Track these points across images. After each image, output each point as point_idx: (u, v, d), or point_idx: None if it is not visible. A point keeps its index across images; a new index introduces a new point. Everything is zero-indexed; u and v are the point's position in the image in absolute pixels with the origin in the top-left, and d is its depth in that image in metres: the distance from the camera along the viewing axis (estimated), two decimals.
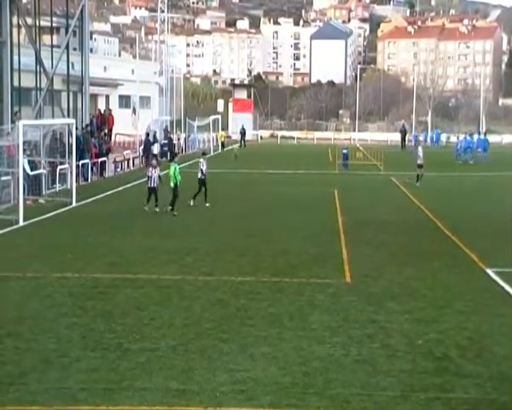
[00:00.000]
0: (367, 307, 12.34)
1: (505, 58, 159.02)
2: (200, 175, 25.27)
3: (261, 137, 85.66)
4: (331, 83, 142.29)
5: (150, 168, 24.64)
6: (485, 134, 58.12)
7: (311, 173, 39.94)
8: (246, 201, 27.48)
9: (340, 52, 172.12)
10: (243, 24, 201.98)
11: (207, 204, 24.95)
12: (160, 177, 23.97)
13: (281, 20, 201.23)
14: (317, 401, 8.32)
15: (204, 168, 25.29)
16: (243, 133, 68.28)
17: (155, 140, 45.09)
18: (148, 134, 45.31)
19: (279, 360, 9.66)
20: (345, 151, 44.12)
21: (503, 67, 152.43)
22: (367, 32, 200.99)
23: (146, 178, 24.44)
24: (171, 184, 23.47)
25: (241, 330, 10.96)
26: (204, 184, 25.31)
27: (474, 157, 49.75)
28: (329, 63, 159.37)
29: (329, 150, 54.27)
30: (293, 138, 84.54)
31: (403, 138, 68.00)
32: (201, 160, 25.67)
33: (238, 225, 21.60)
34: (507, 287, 13.85)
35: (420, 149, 35.17)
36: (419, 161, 34.09)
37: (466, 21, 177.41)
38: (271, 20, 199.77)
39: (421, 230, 20.99)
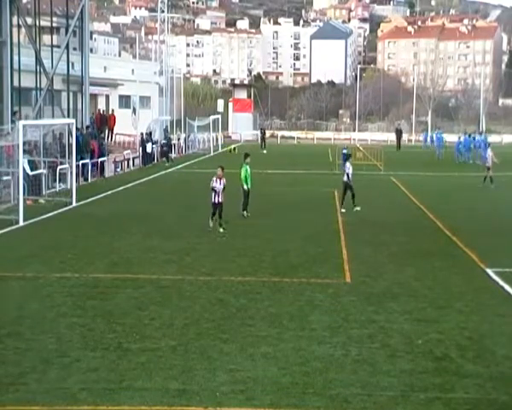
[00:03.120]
0: (367, 307, 12.34)
1: (505, 58, 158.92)
2: (345, 178, 24.58)
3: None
4: (331, 83, 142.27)
5: (215, 178, 20.19)
6: (483, 134, 57.95)
7: (310, 173, 39.95)
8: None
9: (340, 52, 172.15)
10: (243, 24, 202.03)
11: (358, 208, 24.18)
12: (224, 188, 20.12)
13: (281, 20, 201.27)
14: (317, 401, 8.32)
15: (350, 171, 24.55)
16: (263, 134, 68.66)
17: (150, 139, 45.06)
18: (142, 133, 45.34)
19: (279, 360, 9.66)
20: (345, 151, 44.05)
21: (503, 67, 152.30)
22: (367, 32, 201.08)
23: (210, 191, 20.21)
24: (245, 187, 22.95)
25: (241, 330, 10.97)
26: (350, 188, 24.53)
27: (473, 157, 49.70)
28: (329, 63, 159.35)
29: (329, 150, 54.26)
30: (294, 138, 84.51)
31: (398, 139, 68.00)
32: (347, 163, 24.87)
33: (238, 225, 21.59)
34: (507, 287, 13.86)
35: (489, 150, 34.56)
36: (489, 163, 33.66)
37: (466, 21, 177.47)
38: (271, 20, 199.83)
39: (422, 230, 20.98)
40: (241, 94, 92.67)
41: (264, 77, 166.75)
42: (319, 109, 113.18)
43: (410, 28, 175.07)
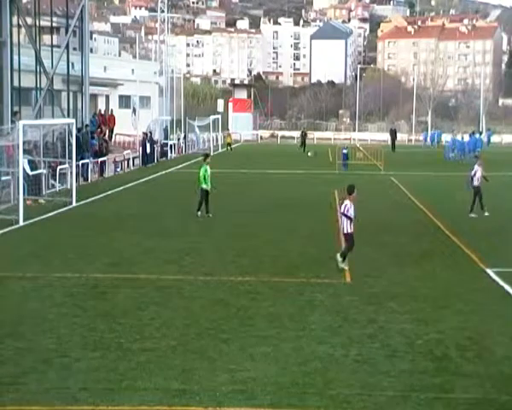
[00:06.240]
0: (367, 307, 12.34)
1: (505, 58, 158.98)
2: (475, 183, 23.55)
3: (261, 137, 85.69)
4: (331, 83, 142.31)
5: (348, 203, 15.33)
6: (472, 134, 57.77)
7: (311, 173, 39.96)
8: (246, 201, 27.50)
9: (340, 52, 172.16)
10: (243, 24, 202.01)
11: (486, 213, 23.12)
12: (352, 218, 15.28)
13: (281, 20, 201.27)
14: (317, 401, 8.32)
15: (479, 174, 23.45)
16: (305, 135, 68.29)
17: (150, 139, 45.09)
18: (144, 134, 45.41)
19: (279, 360, 9.66)
20: (345, 151, 44.09)
21: (503, 66, 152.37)
22: (367, 32, 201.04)
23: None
24: (204, 187, 22.70)
25: (241, 330, 10.96)
26: (478, 192, 23.51)
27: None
28: (329, 63, 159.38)
29: (329, 150, 54.24)
30: (294, 138, 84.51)
31: (393, 140, 68.13)
32: (476, 165, 23.66)
33: (238, 225, 21.59)
34: (507, 287, 13.85)
35: None
36: None
37: (466, 21, 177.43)
38: (271, 20, 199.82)
39: (422, 230, 20.97)
40: (241, 94, 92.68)
41: (264, 77, 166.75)
42: (319, 109, 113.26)
43: (409, 28, 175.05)
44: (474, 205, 23.51)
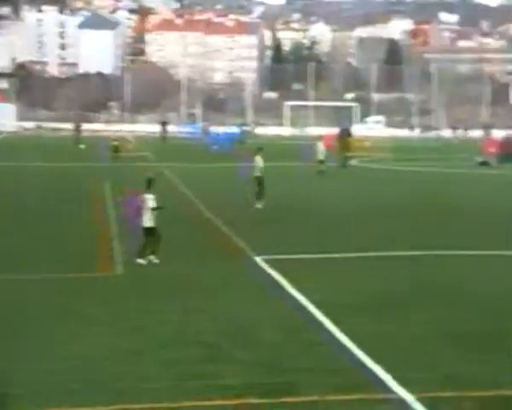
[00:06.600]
0: (138, 299, 12.32)
1: (269, 53, 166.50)
2: (258, 173, 23.15)
3: (25, 129, 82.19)
4: (100, 74, 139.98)
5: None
6: (239, 126, 60.34)
7: (80, 166, 39.04)
8: (17, 195, 26.26)
9: (108, 42, 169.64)
10: (4, 10, 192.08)
11: (258, 205, 23.22)
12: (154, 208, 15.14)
13: (44, 7, 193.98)
14: (81, 398, 8.10)
15: (261, 165, 22.87)
16: (77, 127, 63.79)
17: None
18: None
19: (47, 357, 9.33)
20: (114, 143, 43.75)
21: (267, 61, 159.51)
22: (135, 24, 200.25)
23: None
24: None
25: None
26: (261, 183, 23.16)
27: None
28: (98, 54, 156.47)
29: (98, 143, 53.37)
30: (62, 130, 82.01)
31: (163, 131, 69.35)
32: (257, 157, 23.13)
33: (7, 220, 20.52)
34: (274, 274, 14.41)
35: (319, 144, 34.70)
36: (320, 156, 34.18)
37: (232, 16, 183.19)
38: (34, 8, 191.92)
39: (194, 221, 21.25)
40: (2, 84, 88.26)
41: (28, 66, 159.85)
42: (88, 101, 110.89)
43: (178, 21, 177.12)
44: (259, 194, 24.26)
